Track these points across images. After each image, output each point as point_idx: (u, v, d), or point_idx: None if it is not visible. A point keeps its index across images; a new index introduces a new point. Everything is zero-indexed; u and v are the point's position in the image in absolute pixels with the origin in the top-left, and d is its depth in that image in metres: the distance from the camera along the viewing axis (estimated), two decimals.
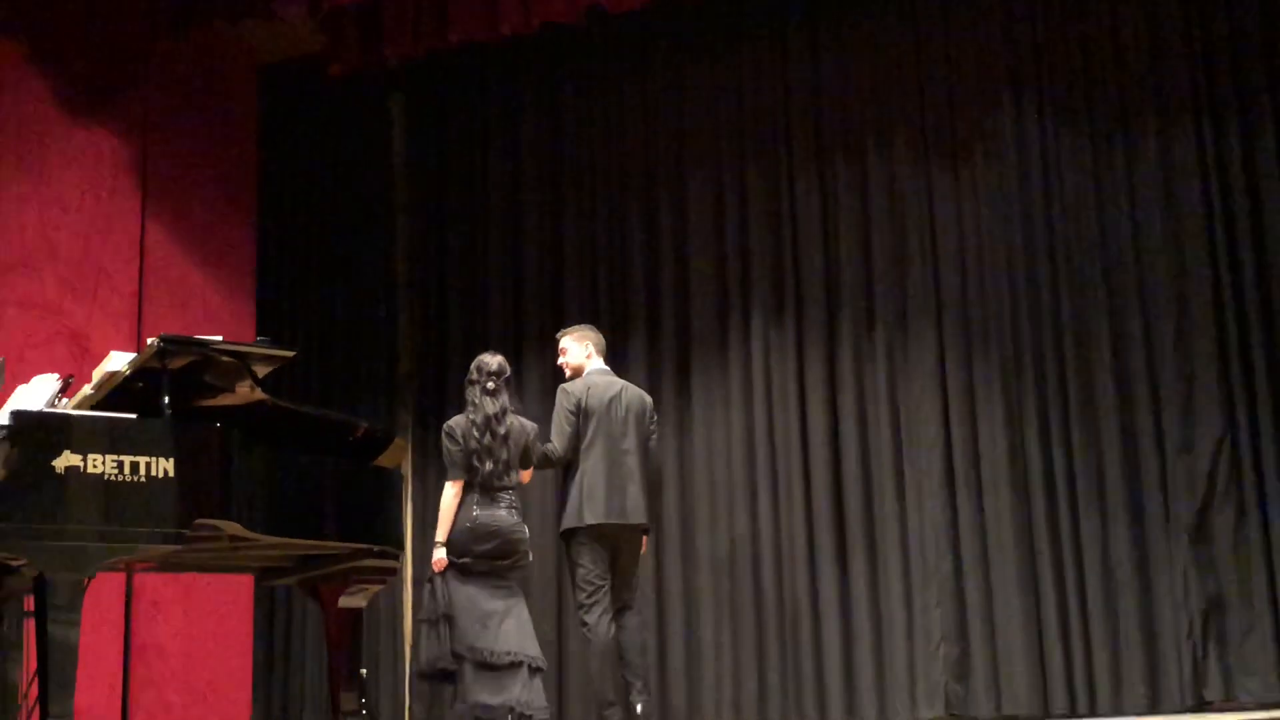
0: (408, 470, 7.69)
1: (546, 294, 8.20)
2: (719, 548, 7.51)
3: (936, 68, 7.51)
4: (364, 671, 5.88)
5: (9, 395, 4.93)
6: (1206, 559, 6.54)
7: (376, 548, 5.17)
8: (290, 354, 4.89)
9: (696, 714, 7.38)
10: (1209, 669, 6.44)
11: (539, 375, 7.92)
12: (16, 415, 4.31)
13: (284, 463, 4.81)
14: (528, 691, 5.99)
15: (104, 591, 6.59)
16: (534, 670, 6.05)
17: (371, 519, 5.16)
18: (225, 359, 4.68)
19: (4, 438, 4.26)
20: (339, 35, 7.84)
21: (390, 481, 5.37)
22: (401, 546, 5.53)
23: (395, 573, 5.71)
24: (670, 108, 8.07)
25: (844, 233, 7.54)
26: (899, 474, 7.23)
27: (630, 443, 6.54)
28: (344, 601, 5.36)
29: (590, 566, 6.42)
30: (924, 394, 7.23)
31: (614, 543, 6.48)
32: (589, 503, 6.40)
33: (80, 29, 7.27)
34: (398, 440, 5.34)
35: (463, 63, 8.28)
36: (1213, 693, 6.42)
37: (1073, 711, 6.66)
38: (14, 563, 4.37)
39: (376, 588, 5.55)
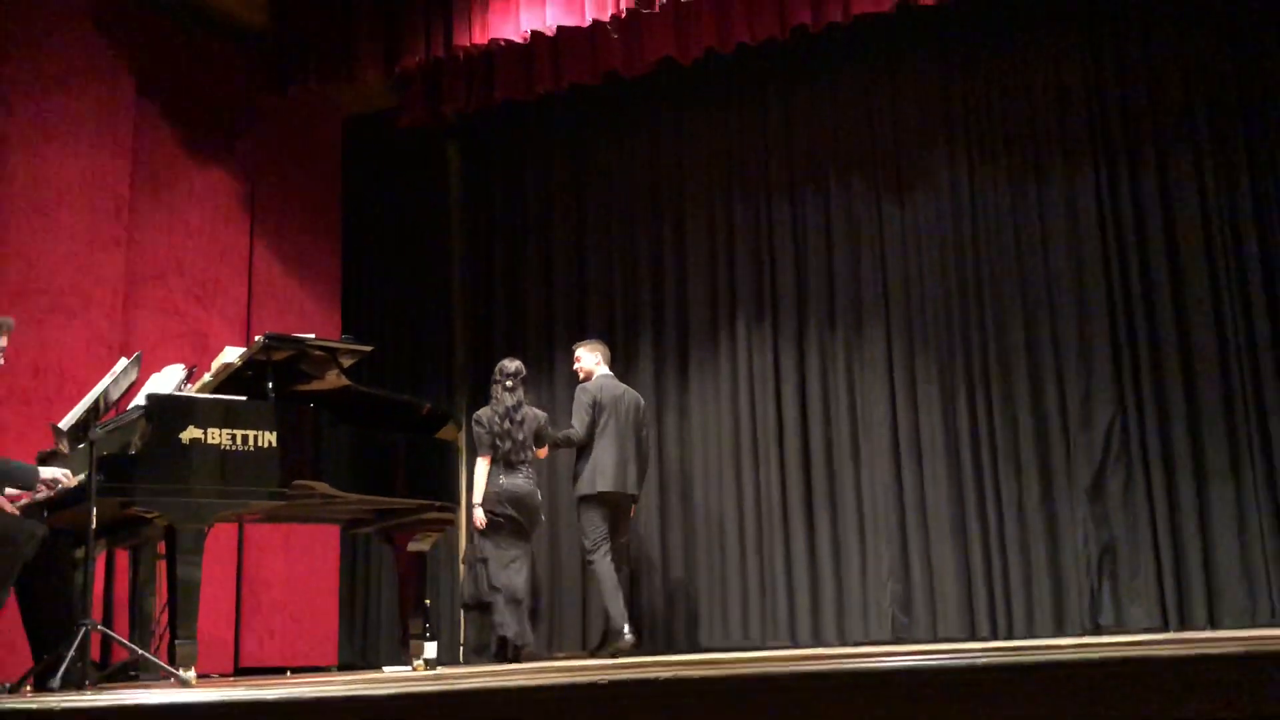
0: (462, 443, 7.68)
1: (573, 302, 8.19)
2: (711, 502, 7.51)
3: (885, 122, 7.49)
4: (428, 602, 5.92)
5: (144, 382, 4.95)
6: (1101, 514, 6.56)
7: (438, 503, 5.18)
8: (368, 349, 4.91)
9: (692, 634, 7.39)
10: (1103, 600, 6.47)
11: (565, 369, 7.85)
12: (151, 397, 4.37)
13: (364, 435, 4.83)
14: (522, 625, 6.43)
15: (220, 538, 6.59)
16: (521, 605, 6.47)
17: (434, 480, 5.17)
18: (317, 353, 4.70)
19: (140, 415, 4.30)
20: (407, 94, 7.87)
21: (448, 451, 5.39)
22: (458, 502, 5.54)
23: (452, 524, 5.75)
24: (671, 152, 8.05)
25: (811, 253, 7.52)
26: (855, 444, 7.21)
27: (630, 431, 6.78)
28: (412, 546, 5.38)
29: (599, 524, 6.67)
30: (875, 381, 7.22)
31: (615, 506, 6.72)
32: (600, 475, 6.66)
33: (199, 89, 7.28)
34: (454, 418, 5.35)
35: (506, 116, 8.22)
36: (1106, 619, 6.45)
37: (994, 635, 6.65)
38: (148, 515, 4.36)
39: (437, 535, 5.58)
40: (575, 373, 7.13)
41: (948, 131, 7.29)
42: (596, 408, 6.73)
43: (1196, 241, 6.63)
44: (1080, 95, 7.01)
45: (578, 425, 6.74)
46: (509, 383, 6.58)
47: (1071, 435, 6.71)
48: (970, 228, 7.13)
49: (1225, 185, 6.62)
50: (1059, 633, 6.50)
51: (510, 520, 6.41)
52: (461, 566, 7.48)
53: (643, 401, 7.04)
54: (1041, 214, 6.98)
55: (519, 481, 6.43)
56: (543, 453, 6.80)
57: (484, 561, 6.45)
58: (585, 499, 6.71)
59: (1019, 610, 6.64)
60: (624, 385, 7.01)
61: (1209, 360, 6.50)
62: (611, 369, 7.05)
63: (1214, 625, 6.20)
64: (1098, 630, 6.44)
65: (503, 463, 6.44)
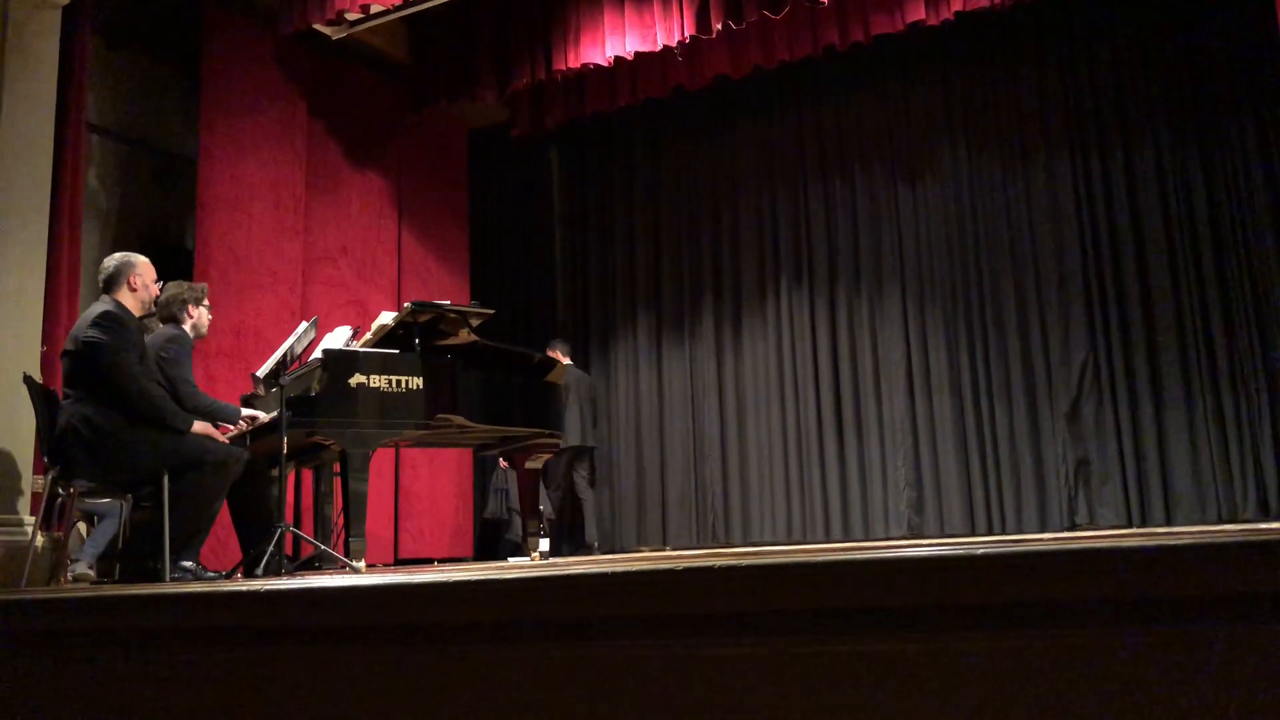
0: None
1: (650, 270, 8.14)
2: (761, 426, 7.47)
3: (899, 121, 7.33)
4: (543, 507, 5.98)
5: (320, 339, 5.02)
6: (1078, 433, 6.44)
7: (547, 430, 5.18)
8: (491, 312, 4.89)
9: (749, 531, 7.39)
10: (1079, 504, 6.37)
11: (646, 325, 7.97)
12: (326, 351, 4.40)
13: (490, 379, 4.83)
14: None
15: (382, 460, 6.72)
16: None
17: (544, 413, 5.16)
18: (452, 315, 4.70)
19: (318, 365, 4.34)
20: (517, 110, 7.86)
21: (555, 391, 5.37)
22: (563, 430, 5.54)
23: (559, 447, 5.75)
24: (727, 150, 7.94)
25: (840, 228, 7.40)
26: (876, 380, 7.13)
27: (586, 403, 7.39)
28: (528, 464, 5.39)
29: (566, 470, 7.29)
30: (892, 329, 7.12)
31: (580, 453, 7.37)
32: (569, 435, 7.19)
33: (356, 109, 7.35)
34: (558, 366, 5.35)
35: (595, 125, 8.20)
36: (1081, 518, 6.34)
37: (990, 531, 6.56)
38: (326, 443, 4.40)
39: (547, 455, 5.58)
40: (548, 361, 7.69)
41: (950, 128, 7.11)
42: (566, 389, 7.17)
43: (1155, 216, 6.42)
44: (1059, 97, 6.79)
45: None
46: None
47: (1053, 371, 6.57)
48: (969, 206, 6.97)
49: (1179, 170, 6.39)
50: (1043, 529, 6.40)
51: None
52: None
53: (592, 379, 7.66)
54: (1028, 195, 6.80)
55: None
56: None
57: (505, 491, 7.03)
58: (559, 452, 7.31)
59: (1010, 512, 6.56)
60: (579, 370, 7.56)
61: (1166, 308, 6.32)
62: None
63: (1170, 523, 6.07)
64: (1074, 527, 6.33)
65: None
